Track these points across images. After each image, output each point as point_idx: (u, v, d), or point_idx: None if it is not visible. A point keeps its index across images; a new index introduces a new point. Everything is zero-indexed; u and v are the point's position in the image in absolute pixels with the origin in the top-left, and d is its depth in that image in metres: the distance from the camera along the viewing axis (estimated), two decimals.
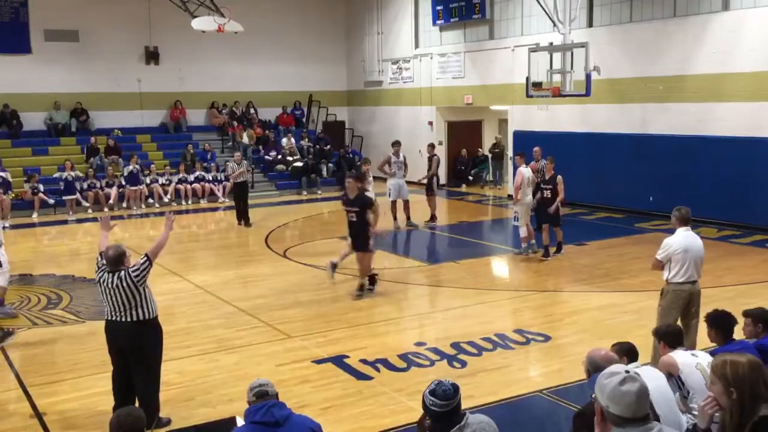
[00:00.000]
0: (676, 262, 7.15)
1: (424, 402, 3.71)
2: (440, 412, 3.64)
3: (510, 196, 20.46)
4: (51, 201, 19.29)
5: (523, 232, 13.26)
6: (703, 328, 5.55)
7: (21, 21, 21.64)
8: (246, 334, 9.08)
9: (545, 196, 12.82)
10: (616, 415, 2.92)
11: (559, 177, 12.82)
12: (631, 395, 2.90)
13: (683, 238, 7.20)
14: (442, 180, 22.15)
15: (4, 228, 10.63)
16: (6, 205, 18.39)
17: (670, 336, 5.14)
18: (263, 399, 4.11)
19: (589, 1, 18.30)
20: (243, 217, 16.96)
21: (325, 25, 26.39)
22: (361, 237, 10.54)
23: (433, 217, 16.72)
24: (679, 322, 7.01)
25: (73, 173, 19.85)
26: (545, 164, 14.85)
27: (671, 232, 7.47)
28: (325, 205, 20.71)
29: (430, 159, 16.93)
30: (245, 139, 23.81)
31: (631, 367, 3.73)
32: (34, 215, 18.95)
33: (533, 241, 13.29)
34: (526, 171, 13.14)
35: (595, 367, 4.25)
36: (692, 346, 6.67)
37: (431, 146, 17.41)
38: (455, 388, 3.71)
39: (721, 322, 5.41)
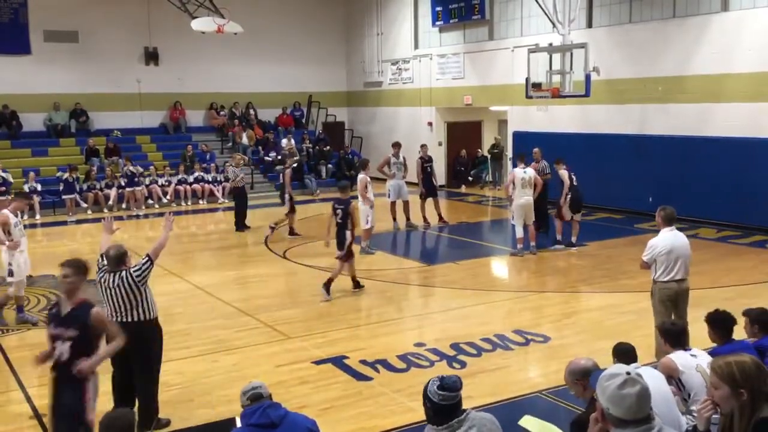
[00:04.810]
0: (660, 262, 7.34)
1: (429, 398, 3.65)
2: (447, 405, 3.62)
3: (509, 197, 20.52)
4: (39, 199, 19.19)
5: (518, 232, 13.30)
6: (703, 328, 5.55)
7: (20, 21, 21.64)
8: (245, 334, 9.08)
9: None
10: (616, 417, 2.92)
11: (564, 172, 13.34)
12: (631, 398, 2.89)
13: (667, 239, 7.34)
14: (441, 181, 22.06)
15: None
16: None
17: (672, 335, 5.13)
18: (258, 401, 4.12)
19: (588, 2, 18.31)
20: (241, 224, 16.40)
21: (325, 25, 26.38)
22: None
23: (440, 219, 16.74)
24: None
25: (74, 175, 19.82)
26: (546, 165, 14.88)
27: None
28: (324, 206, 20.61)
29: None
30: (245, 140, 23.81)
31: (632, 367, 3.72)
32: (36, 216, 18.94)
33: (533, 243, 13.31)
34: (518, 172, 13.27)
35: (585, 373, 4.27)
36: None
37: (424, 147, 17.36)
38: (460, 379, 3.73)
39: (720, 322, 5.42)
